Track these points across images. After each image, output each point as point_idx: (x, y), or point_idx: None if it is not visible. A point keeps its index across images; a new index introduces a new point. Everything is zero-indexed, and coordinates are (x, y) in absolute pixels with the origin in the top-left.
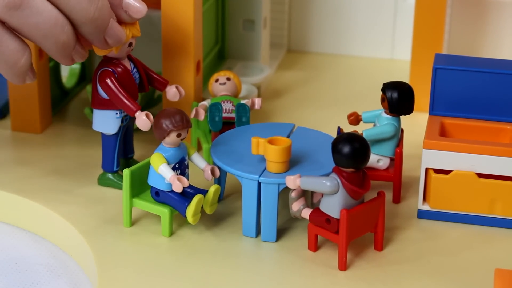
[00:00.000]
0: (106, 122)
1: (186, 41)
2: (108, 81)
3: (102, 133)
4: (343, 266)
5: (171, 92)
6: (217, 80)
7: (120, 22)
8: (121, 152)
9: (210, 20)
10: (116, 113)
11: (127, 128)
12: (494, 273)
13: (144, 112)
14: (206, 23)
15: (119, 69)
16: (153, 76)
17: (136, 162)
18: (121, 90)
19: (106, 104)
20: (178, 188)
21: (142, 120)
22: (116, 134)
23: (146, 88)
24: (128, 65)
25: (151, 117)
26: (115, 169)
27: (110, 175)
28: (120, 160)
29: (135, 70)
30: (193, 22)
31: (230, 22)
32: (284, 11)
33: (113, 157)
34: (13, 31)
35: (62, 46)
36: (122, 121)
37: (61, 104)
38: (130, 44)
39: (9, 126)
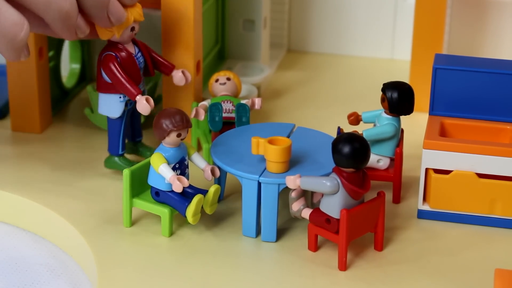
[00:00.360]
0: (110, 105)
1: (186, 41)
2: (111, 65)
3: (107, 117)
4: (343, 266)
5: (178, 77)
6: (217, 80)
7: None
8: (129, 135)
9: (210, 20)
10: (120, 97)
11: (134, 112)
12: (494, 273)
13: (145, 96)
14: (206, 23)
15: (122, 54)
16: (160, 60)
17: (144, 145)
18: (123, 74)
19: (110, 88)
20: (178, 188)
21: (143, 104)
22: (121, 117)
23: (151, 73)
24: (133, 49)
25: (151, 101)
26: (120, 152)
27: (116, 158)
28: (128, 143)
29: (139, 54)
30: (193, 22)
31: (230, 22)
32: (284, 11)
33: (119, 141)
34: (12, 4)
35: (66, 16)
36: (126, 105)
37: (61, 104)
38: (132, 29)
39: (9, 126)
